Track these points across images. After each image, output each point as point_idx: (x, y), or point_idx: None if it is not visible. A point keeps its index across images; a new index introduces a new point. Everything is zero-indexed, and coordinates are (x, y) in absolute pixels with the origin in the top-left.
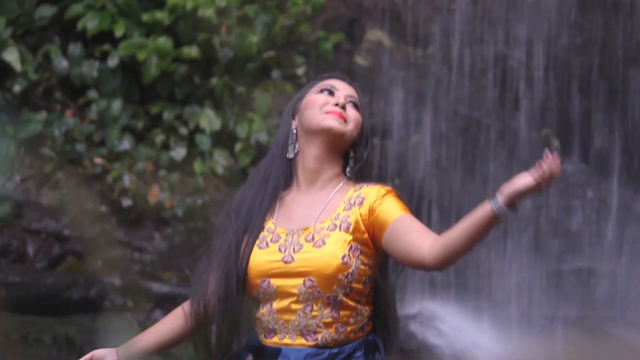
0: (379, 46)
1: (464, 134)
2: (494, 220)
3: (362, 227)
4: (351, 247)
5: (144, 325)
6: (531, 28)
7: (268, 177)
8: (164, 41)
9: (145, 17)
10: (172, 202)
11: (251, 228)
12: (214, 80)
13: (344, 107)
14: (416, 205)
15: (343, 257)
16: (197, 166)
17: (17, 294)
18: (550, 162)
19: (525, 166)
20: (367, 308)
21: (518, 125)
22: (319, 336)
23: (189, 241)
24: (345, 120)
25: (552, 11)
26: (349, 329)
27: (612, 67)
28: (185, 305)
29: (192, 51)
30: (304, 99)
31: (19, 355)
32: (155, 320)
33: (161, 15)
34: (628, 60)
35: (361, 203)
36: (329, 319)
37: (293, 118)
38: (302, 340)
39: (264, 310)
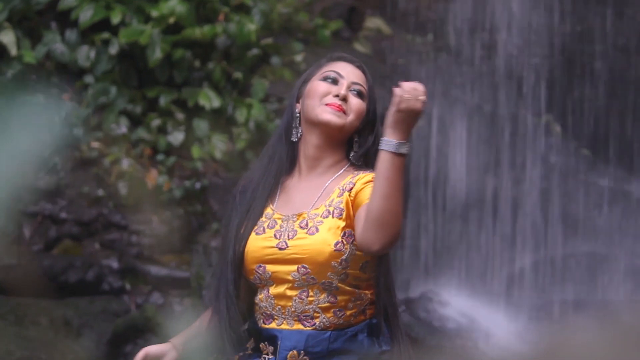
0: (378, 33)
1: (466, 120)
2: (391, 162)
3: (351, 213)
4: (345, 233)
5: (141, 308)
6: (532, 15)
7: (273, 158)
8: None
9: (153, 12)
10: (171, 185)
11: (251, 212)
12: (212, 65)
13: (345, 99)
14: (414, 189)
15: (336, 244)
16: (195, 151)
17: (14, 276)
18: (403, 86)
19: (527, 151)
20: (367, 292)
21: (519, 111)
22: (317, 321)
23: (187, 225)
24: (345, 112)
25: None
26: (348, 312)
27: (613, 55)
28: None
29: (196, 31)
30: (309, 83)
31: (16, 337)
32: (154, 303)
33: (167, 11)
34: (629, 48)
35: (351, 189)
36: (326, 304)
37: (297, 101)
38: (300, 326)
39: (261, 295)
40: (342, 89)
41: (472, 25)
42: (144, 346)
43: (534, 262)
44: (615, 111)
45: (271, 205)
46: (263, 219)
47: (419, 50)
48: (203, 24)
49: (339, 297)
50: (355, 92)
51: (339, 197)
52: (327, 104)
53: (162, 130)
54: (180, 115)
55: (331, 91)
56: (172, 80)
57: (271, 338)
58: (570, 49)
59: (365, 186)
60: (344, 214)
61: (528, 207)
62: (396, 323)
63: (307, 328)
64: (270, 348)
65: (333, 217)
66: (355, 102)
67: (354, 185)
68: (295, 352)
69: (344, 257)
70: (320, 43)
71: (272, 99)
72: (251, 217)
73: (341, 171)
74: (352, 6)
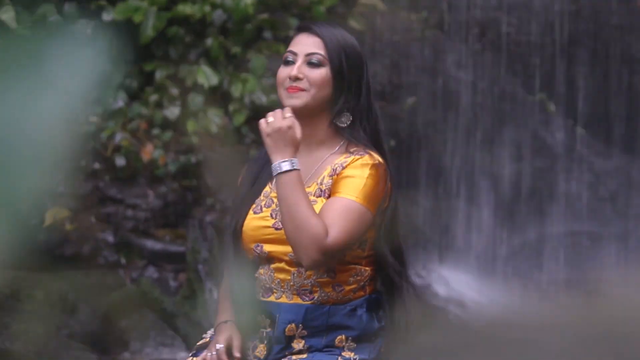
0: (373, 10)
1: (459, 97)
2: (282, 179)
3: None
4: None
5: (136, 283)
6: None
7: None
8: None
9: None
10: (166, 159)
11: (252, 191)
12: (209, 41)
13: (297, 78)
14: (410, 168)
15: None
16: (190, 125)
17: (10, 250)
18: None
19: (521, 129)
20: (368, 268)
21: (513, 89)
22: (315, 295)
23: (182, 199)
24: (303, 89)
25: None
26: (347, 288)
27: (609, 34)
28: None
29: (187, 8)
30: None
31: (11, 311)
32: (149, 277)
33: None
34: (623, 27)
35: (340, 172)
36: (325, 279)
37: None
38: (299, 300)
39: (262, 270)
40: (293, 70)
41: (468, 3)
42: (139, 321)
43: (527, 240)
44: (610, 91)
45: (270, 183)
46: (261, 197)
47: (413, 27)
48: None
49: (338, 273)
50: (312, 63)
51: (330, 176)
52: (287, 89)
53: (158, 104)
54: (175, 91)
55: (288, 75)
56: (168, 55)
57: (270, 311)
58: (566, 27)
59: (345, 174)
60: None
61: (523, 185)
62: (399, 299)
63: (306, 302)
64: (268, 321)
65: (324, 197)
66: (312, 74)
67: (344, 168)
68: (293, 325)
69: None
70: (315, 19)
71: (268, 74)
72: (252, 195)
73: (337, 148)
74: None
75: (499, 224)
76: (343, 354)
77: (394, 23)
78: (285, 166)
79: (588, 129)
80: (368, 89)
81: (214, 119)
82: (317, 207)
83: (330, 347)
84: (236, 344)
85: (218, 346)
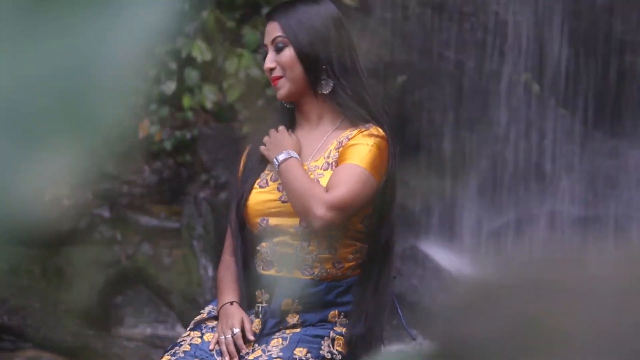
0: None
1: (449, 76)
2: (280, 170)
3: None
4: None
5: (132, 259)
6: None
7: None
8: None
9: None
10: (162, 135)
11: (257, 165)
12: (205, 14)
13: (273, 68)
14: (401, 147)
15: None
16: (186, 100)
17: (7, 226)
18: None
19: (505, 109)
20: (365, 246)
21: (500, 69)
22: (316, 271)
23: (177, 175)
24: (281, 76)
25: None
26: (346, 265)
27: (593, 15)
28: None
29: None
30: None
31: (10, 286)
32: (144, 254)
33: None
34: (610, 8)
35: (346, 144)
36: (326, 255)
37: None
38: (299, 274)
39: (264, 243)
40: (267, 63)
41: None
42: (135, 298)
43: (510, 220)
44: (593, 71)
45: None
46: (266, 171)
47: (404, 5)
48: None
49: (339, 249)
50: (278, 49)
51: (336, 149)
52: (272, 83)
53: (156, 79)
54: (173, 65)
55: (266, 68)
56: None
57: (269, 285)
58: (552, 7)
59: (352, 144)
60: None
61: (507, 164)
62: (386, 276)
63: (306, 277)
64: (266, 296)
65: (331, 169)
66: (280, 59)
67: (350, 140)
68: (290, 300)
69: None
70: None
71: (262, 50)
72: (257, 169)
73: (339, 122)
74: None
75: (485, 204)
76: (335, 328)
77: (386, 0)
78: (282, 156)
79: (570, 109)
80: (347, 57)
81: (209, 95)
82: (325, 180)
83: (323, 322)
84: (248, 327)
85: (235, 330)
